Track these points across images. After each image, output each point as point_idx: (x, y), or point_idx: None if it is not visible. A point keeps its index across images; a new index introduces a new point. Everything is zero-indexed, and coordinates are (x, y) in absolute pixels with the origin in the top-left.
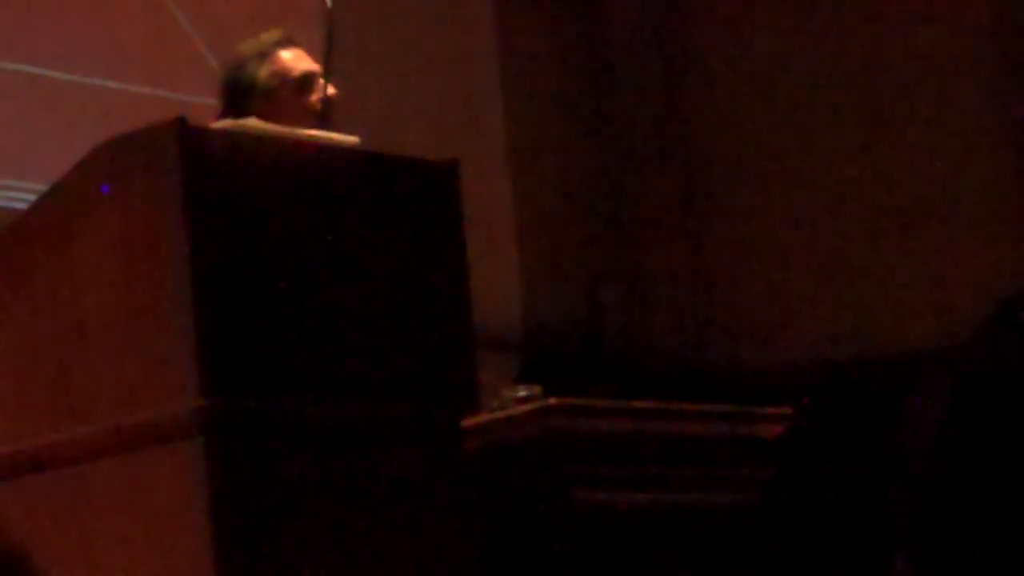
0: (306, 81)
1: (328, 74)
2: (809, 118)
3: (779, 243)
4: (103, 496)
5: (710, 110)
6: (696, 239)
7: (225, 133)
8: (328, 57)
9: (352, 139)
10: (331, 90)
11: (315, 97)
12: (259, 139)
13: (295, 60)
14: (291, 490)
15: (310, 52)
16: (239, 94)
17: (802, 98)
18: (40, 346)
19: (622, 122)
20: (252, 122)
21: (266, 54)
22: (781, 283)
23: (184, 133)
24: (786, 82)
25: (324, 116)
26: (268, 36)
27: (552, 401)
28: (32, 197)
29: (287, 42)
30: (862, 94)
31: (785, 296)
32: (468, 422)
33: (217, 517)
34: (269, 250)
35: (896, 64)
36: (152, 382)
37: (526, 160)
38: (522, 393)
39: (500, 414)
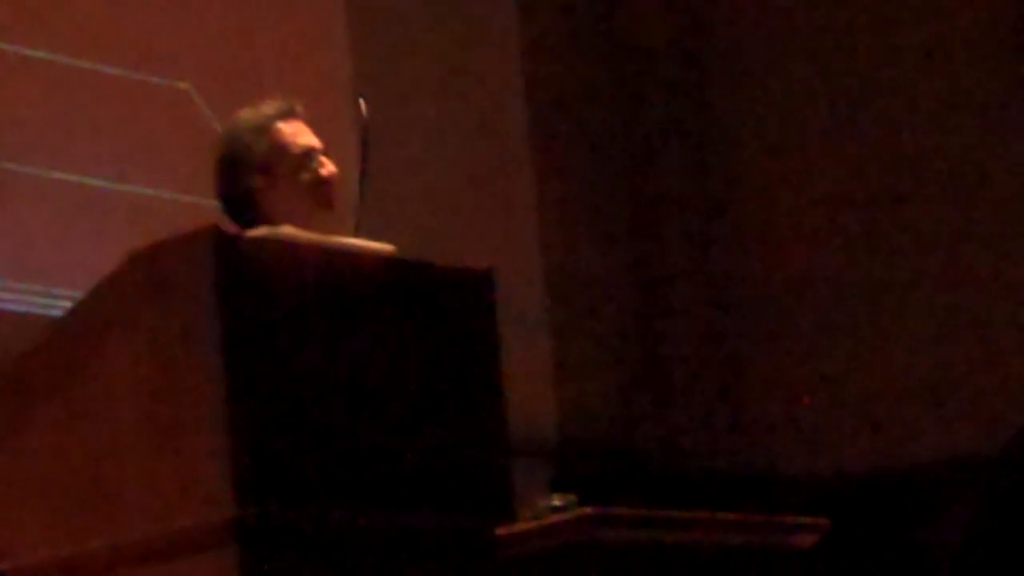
0: (306, 157)
1: (365, 179)
2: (850, 239)
3: (814, 351)
4: None
5: (752, 232)
6: (730, 346)
7: (260, 241)
8: (365, 163)
9: (387, 247)
10: (332, 168)
11: (314, 174)
12: (294, 247)
13: (295, 134)
14: None
15: (346, 158)
16: (235, 167)
17: (845, 214)
18: (76, 453)
19: (660, 229)
20: (287, 230)
21: (265, 127)
22: (817, 390)
23: (219, 241)
24: (832, 209)
25: (325, 193)
26: (268, 107)
27: (587, 510)
28: (68, 304)
29: (288, 114)
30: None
31: (821, 404)
32: (503, 531)
33: None
34: (303, 359)
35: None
36: (186, 491)
37: (560, 267)
38: (557, 502)
39: (535, 523)
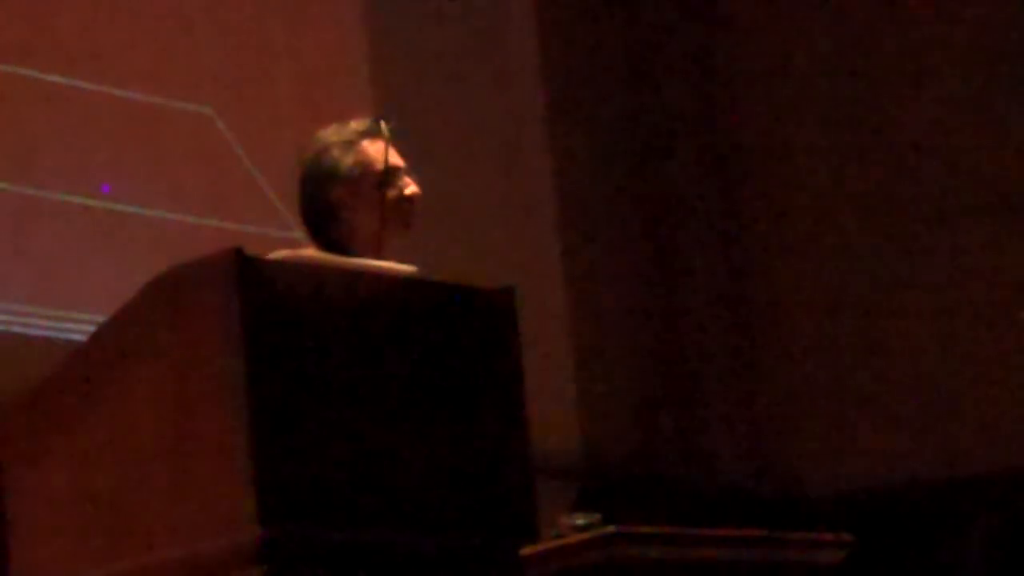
0: (390, 175)
1: None
2: (874, 252)
3: (837, 369)
4: None
5: (772, 246)
6: (753, 363)
7: (282, 263)
8: None
9: (409, 268)
10: (414, 188)
11: (399, 192)
12: (316, 269)
13: (381, 151)
14: None
15: None
16: (319, 181)
17: (872, 234)
18: (98, 478)
19: (681, 247)
20: (309, 252)
21: (351, 142)
22: (840, 408)
23: (241, 263)
24: (852, 221)
25: (407, 212)
26: (355, 124)
27: (611, 529)
28: (90, 328)
29: (374, 132)
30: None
31: (844, 421)
32: (527, 551)
33: None
34: (326, 380)
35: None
36: (210, 512)
37: (583, 287)
38: (581, 521)
39: (559, 542)
